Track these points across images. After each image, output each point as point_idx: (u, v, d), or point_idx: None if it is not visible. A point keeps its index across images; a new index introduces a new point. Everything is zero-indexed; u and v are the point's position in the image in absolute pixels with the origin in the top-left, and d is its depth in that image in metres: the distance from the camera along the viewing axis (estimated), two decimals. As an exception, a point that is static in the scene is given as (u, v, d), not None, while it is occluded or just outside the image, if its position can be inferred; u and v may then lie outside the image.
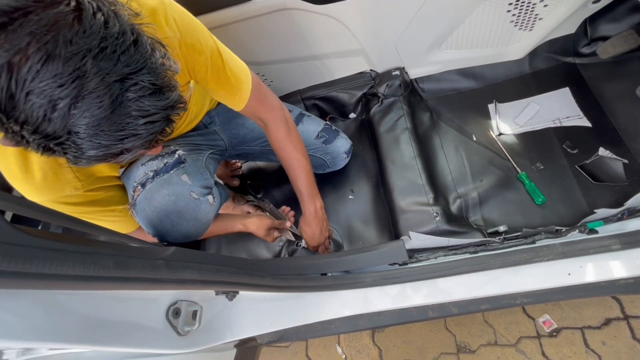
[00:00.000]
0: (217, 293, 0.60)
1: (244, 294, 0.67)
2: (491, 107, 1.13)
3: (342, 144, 1.08)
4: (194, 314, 0.56)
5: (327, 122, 1.09)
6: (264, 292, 0.70)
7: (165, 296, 0.53)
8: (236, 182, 1.27)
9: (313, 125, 1.04)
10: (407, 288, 0.83)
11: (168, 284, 0.45)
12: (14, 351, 0.36)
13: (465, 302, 0.90)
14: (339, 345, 1.36)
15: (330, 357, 1.35)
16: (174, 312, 0.53)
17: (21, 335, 0.33)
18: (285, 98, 1.28)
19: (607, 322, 1.15)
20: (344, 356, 1.33)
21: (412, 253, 0.88)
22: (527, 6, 0.95)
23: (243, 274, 0.60)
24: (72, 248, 0.35)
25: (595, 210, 0.86)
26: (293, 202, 1.02)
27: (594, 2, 0.96)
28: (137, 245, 0.45)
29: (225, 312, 0.66)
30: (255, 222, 0.96)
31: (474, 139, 1.10)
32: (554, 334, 1.17)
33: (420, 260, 0.87)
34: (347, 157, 1.11)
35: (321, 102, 1.26)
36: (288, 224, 1.04)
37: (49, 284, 0.33)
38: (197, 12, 0.93)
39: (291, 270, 0.75)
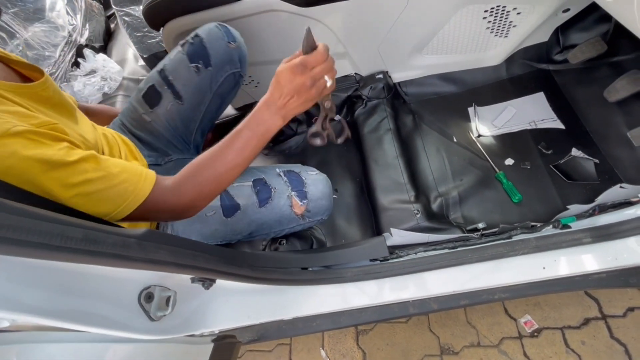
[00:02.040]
0: (192, 281, 0.59)
1: (221, 284, 0.67)
2: (471, 110, 1.17)
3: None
4: (168, 299, 0.56)
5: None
6: (242, 284, 0.69)
7: (137, 280, 0.52)
8: None
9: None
10: (387, 283, 0.84)
11: (139, 263, 0.45)
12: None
13: (444, 297, 0.91)
14: (322, 348, 1.34)
15: (314, 361, 1.33)
16: (146, 296, 0.52)
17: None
18: (271, 99, 1.29)
19: (586, 321, 1.16)
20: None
21: (393, 249, 0.89)
22: (502, 14, 1.00)
23: (220, 261, 0.59)
24: (41, 217, 0.35)
25: (568, 207, 0.89)
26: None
27: (563, 12, 1.01)
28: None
29: (202, 301, 0.66)
30: (279, 77, 0.59)
31: (455, 140, 1.13)
32: (535, 334, 1.18)
33: (401, 256, 0.88)
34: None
35: (307, 104, 1.28)
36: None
37: (11, 250, 0.33)
38: (184, 11, 0.96)
39: (271, 263, 0.75)
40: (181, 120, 0.92)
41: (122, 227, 0.49)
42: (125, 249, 0.43)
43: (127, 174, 0.52)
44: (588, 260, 0.78)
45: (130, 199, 0.51)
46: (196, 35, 0.88)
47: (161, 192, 0.54)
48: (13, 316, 0.35)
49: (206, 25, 0.89)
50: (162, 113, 0.90)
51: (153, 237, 0.48)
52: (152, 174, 0.55)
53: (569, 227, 0.83)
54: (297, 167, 0.87)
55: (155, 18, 0.96)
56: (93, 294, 0.45)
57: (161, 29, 1.00)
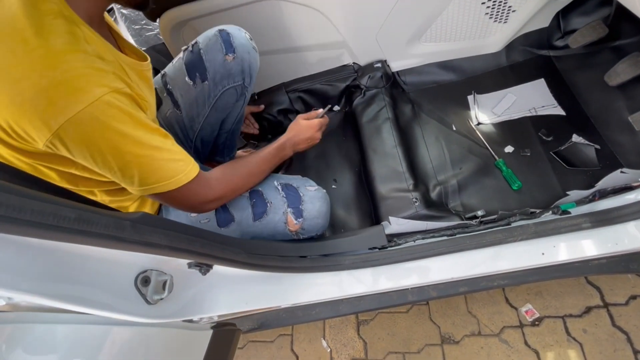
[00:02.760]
0: (189, 266, 0.60)
1: (218, 271, 0.67)
2: (470, 98, 1.16)
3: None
4: (164, 283, 0.56)
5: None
6: (239, 271, 0.70)
7: (134, 264, 0.53)
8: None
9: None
10: (385, 271, 0.84)
11: (133, 245, 0.45)
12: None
13: (443, 284, 0.91)
14: (324, 338, 1.35)
15: (315, 351, 1.34)
16: (143, 280, 0.53)
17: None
18: (270, 91, 1.29)
19: (588, 310, 1.16)
20: (329, 349, 1.32)
21: (392, 237, 0.89)
22: (501, -2, 0.98)
23: (216, 247, 0.60)
24: (33, 196, 0.36)
25: (568, 193, 0.88)
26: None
27: (563, -5, 1.00)
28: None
29: (199, 287, 0.66)
30: (301, 127, 0.88)
31: (454, 128, 1.12)
32: (536, 323, 1.18)
33: (399, 244, 0.88)
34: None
35: (305, 95, 1.28)
36: (320, 110, 0.97)
37: (6, 228, 0.33)
38: (180, 1, 0.95)
39: (269, 251, 0.75)
40: (180, 128, 0.91)
41: (119, 211, 0.50)
42: (119, 230, 0.43)
43: (184, 155, 0.61)
44: (588, 245, 0.77)
45: (179, 176, 0.58)
46: (196, 43, 0.85)
47: (199, 180, 0.63)
48: (9, 294, 0.36)
49: (208, 32, 0.84)
50: (162, 118, 0.90)
51: (148, 220, 0.49)
52: (196, 164, 0.63)
53: (569, 213, 0.83)
54: (296, 181, 0.85)
55: (152, 8, 0.96)
56: (89, 275, 0.46)
57: (158, 19, 1.00)
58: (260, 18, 1.04)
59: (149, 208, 0.78)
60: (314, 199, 0.82)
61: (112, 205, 0.69)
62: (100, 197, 0.67)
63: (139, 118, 0.54)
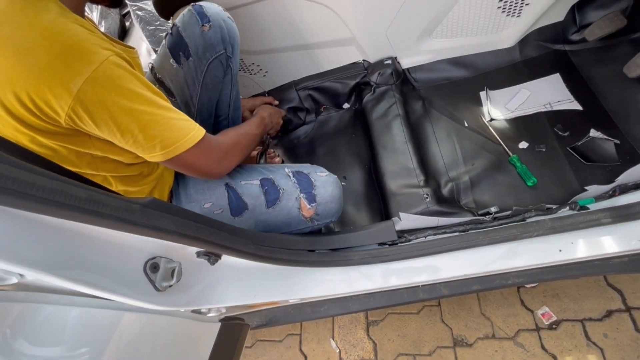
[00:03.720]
0: (198, 255, 0.59)
1: (227, 262, 0.67)
2: (482, 94, 1.14)
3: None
4: (173, 271, 0.56)
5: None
6: (248, 263, 0.69)
7: (143, 249, 0.53)
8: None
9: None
10: (396, 267, 0.82)
11: (142, 229, 0.45)
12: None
13: (455, 282, 0.88)
14: (333, 339, 1.33)
15: (324, 352, 1.32)
16: (152, 266, 0.53)
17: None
18: (280, 89, 1.30)
19: (609, 314, 1.11)
20: (338, 350, 1.31)
21: (402, 233, 0.87)
22: (514, -9, 0.97)
23: (224, 237, 0.60)
24: (44, 174, 0.36)
25: (587, 188, 0.85)
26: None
27: (579, -13, 0.97)
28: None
29: (208, 277, 0.66)
30: (268, 110, 1.03)
31: (466, 125, 1.10)
32: (554, 326, 1.14)
33: (410, 240, 0.86)
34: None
35: (315, 93, 1.28)
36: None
37: (15, 202, 0.34)
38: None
39: (277, 243, 0.74)
40: None
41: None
42: (128, 213, 0.44)
43: (186, 116, 0.63)
44: (608, 242, 0.74)
45: (192, 134, 0.61)
46: (174, 25, 0.86)
47: (208, 137, 0.66)
48: (20, 269, 0.36)
49: (183, 11, 0.85)
50: None
51: (157, 205, 0.49)
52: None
53: (587, 208, 0.80)
54: (306, 168, 0.86)
55: (164, 6, 0.98)
56: (99, 258, 0.46)
57: (171, 18, 1.02)
58: (271, 15, 1.05)
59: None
60: (325, 183, 0.83)
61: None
62: (116, 187, 0.68)
63: (143, 79, 0.57)
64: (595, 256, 0.75)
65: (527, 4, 1.00)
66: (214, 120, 1.00)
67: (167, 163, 0.62)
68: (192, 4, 0.86)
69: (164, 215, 0.49)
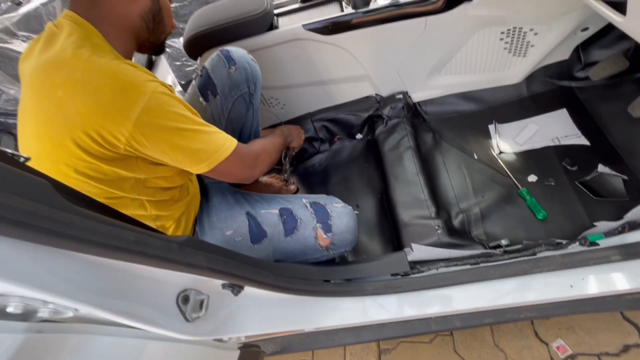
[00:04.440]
0: (223, 287, 0.64)
1: (248, 292, 0.71)
2: (491, 127, 1.18)
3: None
4: (201, 303, 0.60)
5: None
6: (267, 293, 0.73)
7: (176, 283, 0.58)
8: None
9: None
10: (408, 298, 0.85)
11: (179, 266, 0.50)
12: (47, 310, 0.41)
13: (467, 314, 0.89)
14: (344, 366, 1.33)
15: (335, 379, 1.32)
16: (183, 298, 0.57)
17: (55, 290, 0.38)
18: (296, 120, 1.37)
19: (626, 348, 1.09)
20: (349, 378, 1.30)
21: (414, 264, 0.90)
22: (519, 35, 1.03)
23: (248, 269, 0.64)
24: (103, 220, 0.42)
25: (596, 224, 0.87)
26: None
27: (582, 30, 1.03)
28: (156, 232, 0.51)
29: (231, 308, 0.70)
30: (294, 131, 1.15)
31: (476, 157, 1.14)
32: (569, 360, 1.12)
33: (422, 271, 0.89)
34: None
35: (329, 124, 1.35)
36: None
37: (82, 248, 0.39)
38: (219, 43, 1.06)
39: (295, 274, 0.78)
40: None
41: (166, 234, 0.55)
42: (168, 252, 0.49)
43: (221, 131, 0.72)
44: (619, 279, 0.75)
45: (227, 144, 0.70)
46: (203, 67, 0.95)
47: (240, 146, 0.73)
48: (77, 305, 0.41)
49: (212, 55, 0.95)
50: None
51: (192, 243, 0.54)
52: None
53: (597, 244, 0.81)
54: (322, 199, 0.91)
55: (194, 49, 1.07)
56: (139, 292, 0.51)
57: (198, 58, 1.11)
58: (290, 55, 1.13)
59: (182, 228, 0.84)
60: (341, 214, 0.88)
61: (157, 223, 0.77)
62: (150, 211, 0.74)
63: (184, 102, 0.67)
64: (608, 293, 0.76)
65: (532, 46, 1.06)
66: None
67: (210, 173, 0.71)
68: (220, 49, 0.95)
69: (197, 252, 0.54)
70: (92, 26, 0.65)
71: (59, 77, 0.59)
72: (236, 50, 0.96)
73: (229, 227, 0.85)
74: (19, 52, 1.11)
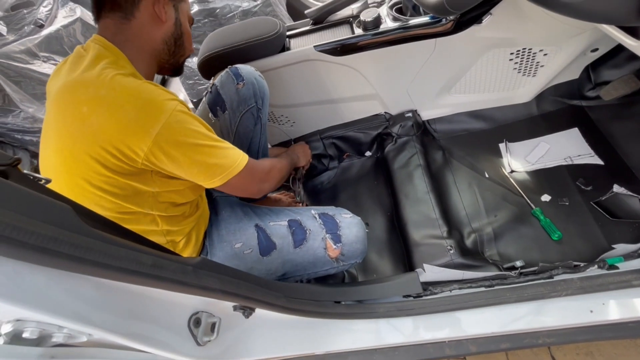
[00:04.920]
0: (234, 309, 0.63)
1: (259, 315, 0.70)
2: (502, 146, 1.17)
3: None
4: (213, 325, 0.59)
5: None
6: (278, 315, 0.72)
7: (188, 305, 0.57)
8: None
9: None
10: (421, 321, 0.83)
11: (193, 289, 0.50)
12: (62, 335, 0.41)
13: (483, 339, 0.87)
14: (353, 390, 1.29)
15: (344, 404, 1.28)
16: (195, 321, 0.56)
17: (71, 315, 0.38)
18: (305, 137, 1.38)
19: (650, 377, 1.04)
20: (358, 403, 1.26)
21: (427, 285, 0.88)
22: (528, 55, 1.03)
23: (260, 291, 0.63)
24: (120, 243, 0.42)
25: (614, 246, 0.84)
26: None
27: (592, 51, 1.03)
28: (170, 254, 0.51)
29: (242, 330, 0.69)
30: (299, 150, 1.19)
31: (487, 176, 1.13)
32: (590, 388, 1.07)
33: (435, 293, 0.87)
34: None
35: (339, 141, 1.36)
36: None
37: (100, 272, 0.39)
38: (236, 62, 1.08)
39: (305, 295, 0.77)
40: None
41: (181, 255, 0.55)
42: (184, 275, 0.48)
43: (234, 146, 0.75)
44: (641, 304, 0.73)
45: (240, 159, 0.72)
46: (213, 84, 0.98)
47: (252, 161, 0.75)
48: (92, 330, 0.41)
49: (221, 73, 0.98)
50: None
51: (205, 265, 0.54)
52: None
53: (617, 267, 0.79)
54: (331, 210, 0.92)
55: (208, 70, 1.10)
56: (152, 316, 0.50)
57: (212, 78, 1.13)
58: (301, 75, 1.15)
59: (193, 242, 0.84)
60: (350, 225, 0.88)
61: (167, 238, 0.78)
62: (161, 226, 0.75)
63: (200, 119, 0.70)
64: (629, 319, 0.73)
65: (541, 66, 1.06)
66: None
67: (223, 187, 0.73)
68: (229, 67, 0.98)
69: (210, 274, 0.53)
70: (119, 49, 0.70)
71: (85, 95, 0.63)
72: (244, 67, 0.99)
73: (237, 239, 0.86)
74: (40, 73, 1.15)
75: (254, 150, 1.07)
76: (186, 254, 0.83)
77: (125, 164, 0.64)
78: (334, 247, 0.86)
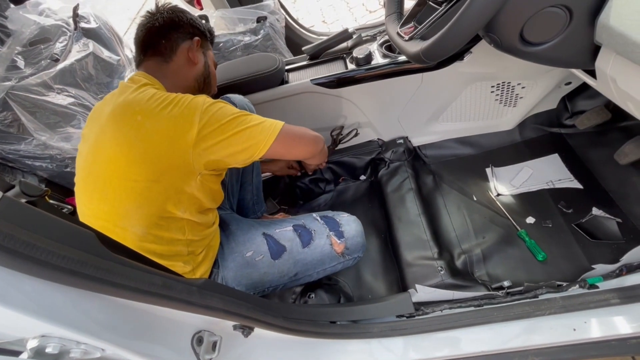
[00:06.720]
0: (234, 328, 0.67)
1: (258, 334, 0.73)
2: (488, 170, 1.24)
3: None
4: (214, 344, 0.63)
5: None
6: (275, 335, 0.75)
7: (192, 324, 0.61)
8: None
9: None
10: (414, 340, 0.86)
11: (198, 308, 0.54)
12: (79, 350, 0.45)
13: (473, 358, 0.89)
14: (351, 414, 1.28)
15: None
16: (197, 339, 0.60)
17: (90, 331, 0.42)
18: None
19: (641, 397, 1.06)
20: None
21: (419, 305, 0.92)
22: (508, 88, 1.12)
23: (259, 311, 0.67)
24: (136, 266, 0.47)
25: (594, 266, 0.89)
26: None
27: (566, 84, 1.12)
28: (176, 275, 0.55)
29: (241, 350, 0.72)
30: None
31: (475, 199, 1.19)
32: (584, 409, 1.08)
33: (427, 313, 0.90)
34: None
35: (334, 166, 1.42)
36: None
37: (118, 292, 0.44)
38: (241, 93, 1.16)
39: (302, 315, 0.81)
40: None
41: (185, 277, 0.60)
42: (189, 295, 0.53)
43: (266, 119, 0.82)
44: (620, 322, 0.77)
45: (276, 123, 0.80)
46: None
47: (287, 127, 0.83)
48: (107, 346, 0.45)
49: None
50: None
51: (209, 286, 0.58)
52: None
53: (597, 287, 0.84)
54: (329, 212, 1.01)
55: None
56: (159, 334, 0.54)
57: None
58: (299, 105, 1.23)
59: (210, 256, 0.89)
60: (349, 221, 0.98)
61: (189, 249, 0.83)
62: (186, 235, 0.82)
63: (227, 103, 0.79)
64: (611, 336, 0.77)
65: (521, 97, 1.15)
66: (239, 186, 1.16)
67: (270, 153, 0.79)
68: (221, 97, 1.08)
69: (214, 294, 0.58)
70: (157, 80, 0.84)
71: (138, 106, 0.75)
72: (235, 95, 1.10)
73: (248, 249, 0.92)
74: (53, 104, 1.23)
75: (248, 172, 1.15)
76: (203, 267, 0.87)
77: (175, 157, 0.73)
78: (339, 242, 0.95)
